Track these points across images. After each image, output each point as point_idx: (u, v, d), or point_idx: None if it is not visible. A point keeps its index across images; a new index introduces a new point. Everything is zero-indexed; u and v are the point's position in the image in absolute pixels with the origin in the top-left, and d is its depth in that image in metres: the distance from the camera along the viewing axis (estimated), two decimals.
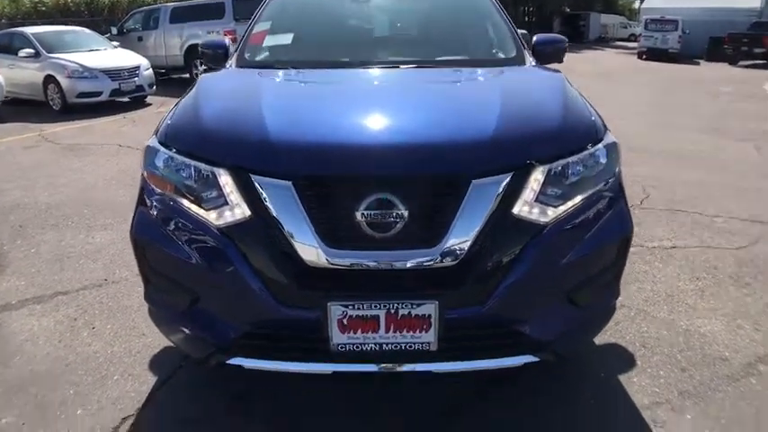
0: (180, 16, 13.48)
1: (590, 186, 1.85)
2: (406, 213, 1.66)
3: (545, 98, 2.16)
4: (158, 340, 2.58)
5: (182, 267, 1.83)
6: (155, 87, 11.15)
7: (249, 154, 1.79)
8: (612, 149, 1.96)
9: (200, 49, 3.25)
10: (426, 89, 2.41)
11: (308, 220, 1.68)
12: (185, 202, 1.83)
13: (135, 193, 2.07)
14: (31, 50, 10.36)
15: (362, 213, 1.66)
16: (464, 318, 1.73)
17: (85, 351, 2.64)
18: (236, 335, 1.81)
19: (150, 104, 10.90)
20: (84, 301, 3.12)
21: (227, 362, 1.86)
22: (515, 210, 1.73)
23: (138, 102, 10.95)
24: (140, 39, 14.15)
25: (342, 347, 1.73)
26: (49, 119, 9.39)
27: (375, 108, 2.06)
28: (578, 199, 1.81)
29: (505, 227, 1.72)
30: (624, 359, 2.52)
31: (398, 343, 1.73)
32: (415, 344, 1.73)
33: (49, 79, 10.09)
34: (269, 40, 3.11)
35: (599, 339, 2.62)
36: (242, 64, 2.88)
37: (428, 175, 1.73)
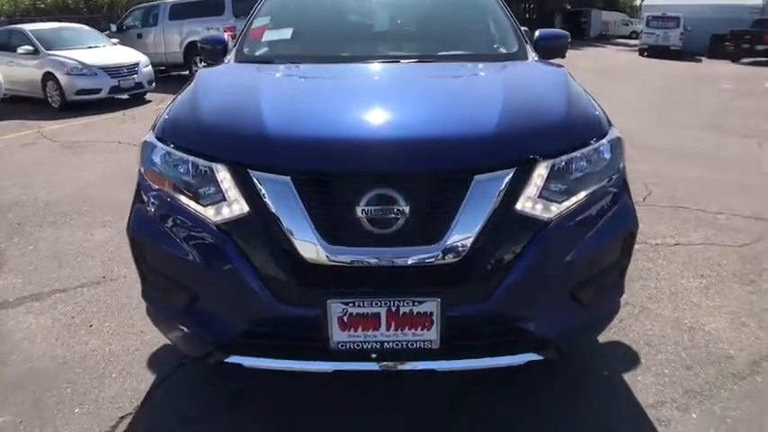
0: (179, 13, 13.41)
1: (594, 182, 1.82)
2: (407, 209, 1.63)
3: (548, 93, 2.13)
4: (157, 338, 2.56)
5: (179, 265, 1.80)
6: (154, 84, 11.11)
7: (247, 149, 1.76)
8: (617, 144, 1.93)
9: (198, 44, 3.22)
10: (428, 84, 2.38)
11: (307, 216, 1.65)
12: (183, 199, 1.80)
13: (134, 191, 2.04)
14: (30, 48, 10.31)
15: (363, 209, 1.63)
16: (466, 315, 1.70)
17: (83, 349, 2.62)
18: (234, 333, 1.79)
19: (150, 101, 10.86)
20: (81, 299, 3.10)
21: (226, 360, 1.83)
22: (518, 206, 1.70)
23: (137, 99, 10.90)
24: (140, 36, 14.09)
25: (342, 346, 1.70)
26: (47, 116, 9.36)
27: (375, 102, 2.03)
28: (582, 195, 1.78)
29: (508, 223, 1.69)
30: (628, 357, 2.49)
31: (400, 341, 1.70)
32: (416, 342, 1.70)
33: (48, 76, 10.04)
34: (268, 35, 3.08)
35: (602, 337, 2.59)
36: (241, 59, 2.85)
37: (430, 171, 1.70)
